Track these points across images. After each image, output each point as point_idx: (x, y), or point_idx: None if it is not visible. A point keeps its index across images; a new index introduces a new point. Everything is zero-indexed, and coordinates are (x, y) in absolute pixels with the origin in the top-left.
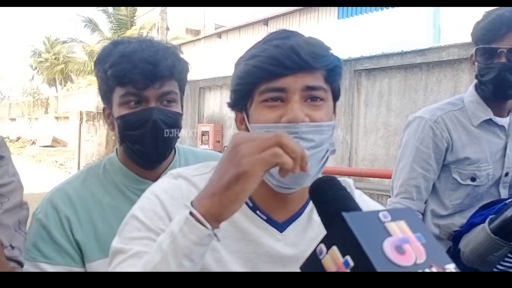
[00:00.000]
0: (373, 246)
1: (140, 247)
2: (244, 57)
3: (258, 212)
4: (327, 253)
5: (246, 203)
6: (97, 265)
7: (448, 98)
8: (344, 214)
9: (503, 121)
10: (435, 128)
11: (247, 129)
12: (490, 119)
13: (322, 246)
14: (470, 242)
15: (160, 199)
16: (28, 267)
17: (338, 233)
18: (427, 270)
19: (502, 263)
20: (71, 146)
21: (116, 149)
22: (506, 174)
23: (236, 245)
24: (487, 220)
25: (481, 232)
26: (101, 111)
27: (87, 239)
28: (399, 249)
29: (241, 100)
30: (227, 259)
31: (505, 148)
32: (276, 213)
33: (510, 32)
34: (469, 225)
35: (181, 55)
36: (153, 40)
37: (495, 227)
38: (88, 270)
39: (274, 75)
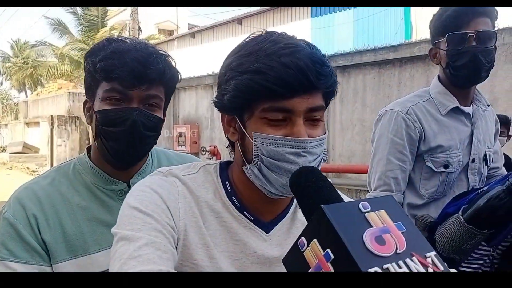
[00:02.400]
0: (353, 238)
1: (152, 236)
2: (243, 66)
3: (245, 212)
4: (308, 246)
5: (234, 204)
6: (64, 266)
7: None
8: (323, 206)
9: (468, 109)
10: (407, 119)
11: (236, 132)
12: (457, 107)
13: (303, 239)
14: (445, 232)
15: (158, 193)
16: None
17: (318, 225)
18: (408, 259)
19: (476, 251)
20: (43, 152)
21: (87, 149)
22: (473, 161)
23: (225, 244)
24: (461, 210)
25: (455, 222)
26: (73, 115)
27: (55, 239)
28: (379, 240)
29: (237, 109)
30: (218, 257)
31: (471, 136)
32: (262, 214)
33: (474, 18)
34: (444, 216)
35: (173, 64)
36: (148, 44)
37: (469, 216)
38: (56, 271)
39: (280, 97)
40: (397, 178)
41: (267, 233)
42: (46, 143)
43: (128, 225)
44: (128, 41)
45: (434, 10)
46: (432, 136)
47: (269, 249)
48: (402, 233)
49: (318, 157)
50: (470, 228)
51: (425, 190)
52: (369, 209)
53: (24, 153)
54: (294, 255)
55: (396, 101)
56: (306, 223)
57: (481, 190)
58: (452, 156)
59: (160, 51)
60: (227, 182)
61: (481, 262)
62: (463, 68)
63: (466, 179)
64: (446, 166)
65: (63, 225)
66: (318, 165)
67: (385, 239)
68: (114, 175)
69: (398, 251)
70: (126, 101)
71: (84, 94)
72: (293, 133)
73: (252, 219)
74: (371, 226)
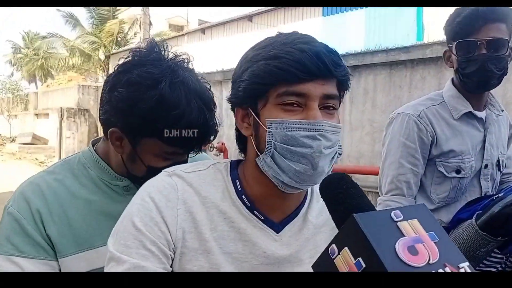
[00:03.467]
0: (385, 247)
1: (136, 258)
2: (261, 55)
3: (255, 212)
4: (339, 253)
5: (244, 203)
6: (70, 260)
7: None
8: (355, 215)
9: (481, 114)
10: (419, 123)
11: (250, 126)
12: (470, 112)
13: (334, 246)
14: (457, 238)
15: (155, 202)
16: (2, 262)
17: (350, 234)
18: (440, 270)
19: (488, 258)
20: (52, 144)
21: (92, 142)
22: (486, 166)
23: (233, 246)
24: (474, 216)
25: (468, 228)
26: (82, 108)
27: (60, 234)
28: (412, 250)
29: (252, 98)
30: (220, 260)
31: (484, 141)
32: (272, 214)
33: (485, 24)
34: (456, 221)
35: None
36: (204, 92)
37: (482, 223)
38: (62, 265)
39: (297, 79)
40: (409, 182)
41: (277, 233)
42: (55, 134)
43: (121, 239)
44: (185, 92)
45: (447, 11)
46: (444, 141)
47: (279, 249)
48: (435, 243)
49: (333, 145)
50: (484, 235)
51: (436, 195)
52: (401, 218)
53: (33, 144)
54: (324, 262)
55: (408, 104)
56: (318, 226)
57: (496, 196)
58: (464, 161)
59: (209, 94)
60: (237, 180)
61: (494, 270)
62: (473, 75)
63: (479, 185)
64: (458, 171)
65: (70, 219)
66: (333, 157)
67: (417, 249)
68: (120, 172)
69: (431, 262)
70: (180, 156)
71: (100, 105)
72: (309, 117)
73: (262, 218)
74: (404, 236)
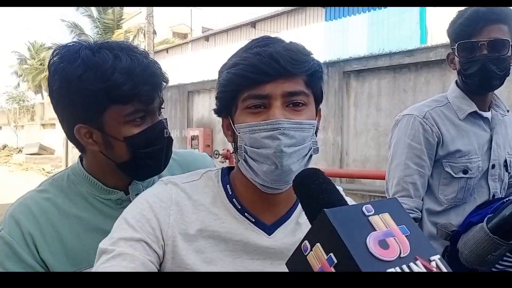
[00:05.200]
0: (356, 242)
1: (125, 248)
2: (226, 65)
3: (246, 214)
4: (311, 250)
5: (234, 206)
6: None
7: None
8: (326, 210)
9: (487, 114)
10: (424, 124)
11: (232, 134)
12: (475, 112)
13: (307, 242)
14: (468, 242)
15: (149, 202)
16: None
17: (321, 229)
18: (411, 263)
19: (501, 262)
20: (58, 154)
21: (80, 158)
22: (493, 166)
23: (224, 244)
24: (485, 219)
25: (480, 232)
26: None
27: (55, 256)
28: (383, 244)
29: (225, 107)
30: (214, 258)
31: (490, 141)
32: (264, 216)
33: (486, 26)
34: (467, 225)
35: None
36: (135, 47)
37: (494, 226)
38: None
39: (255, 82)
40: (416, 183)
41: (269, 235)
42: (62, 144)
43: (112, 233)
44: (116, 52)
45: (450, 13)
46: (451, 141)
47: (270, 246)
48: (406, 236)
49: (298, 142)
50: (495, 238)
51: (444, 196)
52: (372, 212)
53: (40, 154)
54: (297, 259)
55: (413, 106)
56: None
57: (507, 199)
58: (471, 161)
59: (145, 51)
60: (228, 185)
61: None
62: (474, 76)
63: (487, 185)
64: (465, 172)
65: (63, 239)
66: (306, 155)
67: (388, 243)
68: (113, 184)
69: (401, 255)
70: (148, 117)
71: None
72: (269, 117)
73: (254, 220)
74: (375, 230)
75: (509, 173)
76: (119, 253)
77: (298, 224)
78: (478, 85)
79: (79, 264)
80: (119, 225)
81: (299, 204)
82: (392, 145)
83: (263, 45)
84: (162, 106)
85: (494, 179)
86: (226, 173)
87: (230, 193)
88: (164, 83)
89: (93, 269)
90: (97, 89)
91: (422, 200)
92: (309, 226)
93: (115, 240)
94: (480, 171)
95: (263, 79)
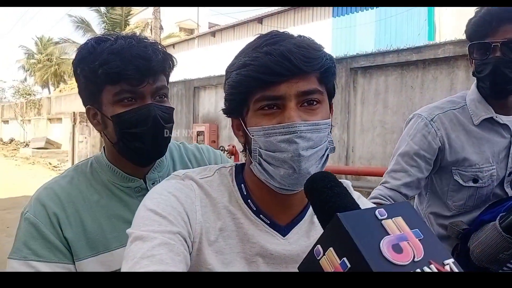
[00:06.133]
0: (369, 246)
1: (166, 239)
2: (235, 65)
3: (261, 216)
4: (324, 254)
5: (250, 207)
6: (87, 263)
7: (445, 96)
8: (339, 214)
9: (507, 119)
10: (430, 126)
11: (244, 135)
12: (492, 118)
13: (319, 247)
14: (480, 241)
15: (175, 196)
16: (20, 266)
17: (334, 233)
18: (425, 267)
19: None
20: (65, 148)
21: (104, 147)
22: (510, 174)
23: (241, 246)
24: (498, 218)
25: (492, 231)
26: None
27: (76, 237)
28: (396, 248)
29: (236, 108)
30: (231, 260)
31: (509, 147)
32: (278, 217)
33: (501, 25)
34: (479, 223)
35: (164, 49)
36: (140, 37)
37: (506, 225)
38: (78, 268)
39: (267, 83)
40: (400, 180)
41: (283, 237)
42: (68, 139)
43: (143, 226)
44: (118, 38)
45: (459, 10)
46: (460, 148)
47: (285, 250)
48: (419, 240)
49: (316, 144)
50: (508, 237)
51: (453, 202)
52: (385, 216)
53: (47, 148)
54: (310, 263)
55: (427, 106)
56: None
57: None
58: (482, 170)
59: (151, 41)
60: (242, 185)
61: None
62: (486, 79)
63: (503, 192)
64: (475, 181)
65: (84, 222)
66: (323, 155)
67: (402, 247)
68: (131, 172)
69: (415, 259)
70: (138, 99)
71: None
72: (284, 119)
73: (269, 222)
74: (388, 234)
75: None
76: (163, 242)
77: (312, 224)
78: (490, 88)
79: (97, 248)
80: (149, 217)
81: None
82: (398, 141)
83: (273, 43)
84: (162, 93)
85: (508, 186)
86: (240, 171)
87: (245, 193)
88: (157, 68)
89: (138, 256)
90: (91, 69)
91: (408, 199)
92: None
93: (149, 231)
94: (496, 179)
95: (275, 79)
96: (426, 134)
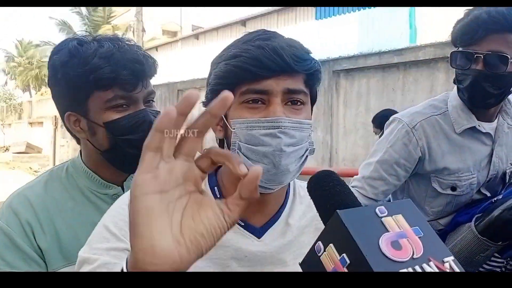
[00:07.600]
0: (368, 243)
1: (108, 258)
2: (223, 56)
3: None
4: (325, 250)
5: None
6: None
7: (426, 98)
8: (339, 211)
9: (489, 126)
10: (412, 135)
11: (224, 129)
12: (474, 127)
13: (320, 243)
14: (456, 243)
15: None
16: None
17: (334, 230)
18: (424, 265)
19: (488, 262)
20: (46, 152)
21: (80, 152)
22: (489, 180)
23: (213, 251)
24: (473, 219)
25: (468, 233)
26: None
27: (50, 246)
28: (395, 244)
29: None
30: (202, 267)
31: (491, 155)
32: (253, 218)
33: (487, 35)
34: (454, 224)
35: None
36: (124, 39)
37: (482, 228)
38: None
39: (256, 76)
40: (377, 188)
41: (258, 238)
42: (49, 143)
43: (93, 243)
44: (103, 40)
45: (440, 12)
46: (440, 156)
47: (261, 252)
48: (419, 237)
49: (298, 142)
50: (484, 240)
51: (430, 208)
52: (385, 213)
53: (27, 153)
54: (311, 259)
55: (409, 110)
56: (301, 228)
57: (495, 199)
58: (461, 179)
59: (136, 43)
60: (215, 187)
61: None
62: (465, 92)
63: (482, 195)
64: (453, 189)
65: (58, 230)
66: (303, 155)
67: (401, 244)
68: (110, 179)
69: (414, 256)
70: (132, 105)
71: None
72: (269, 114)
73: (243, 224)
74: (388, 231)
75: (506, 184)
76: (104, 262)
77: (288, 225)
78: (468, 101)
79: (71, 257)
80: (100, 232)
81: (288, 204)
82: (376, 143)
83: (265, 39)
84: (152, 98)
85: (489, 190)
86: (213, 173)
87: (218, 196)
88: (149, 72)
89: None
90: (79, 74)
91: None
92: (299, 227)
93: (96, 249)
94: (476, 187)
95: (265, 73)
96: (407, 143)
